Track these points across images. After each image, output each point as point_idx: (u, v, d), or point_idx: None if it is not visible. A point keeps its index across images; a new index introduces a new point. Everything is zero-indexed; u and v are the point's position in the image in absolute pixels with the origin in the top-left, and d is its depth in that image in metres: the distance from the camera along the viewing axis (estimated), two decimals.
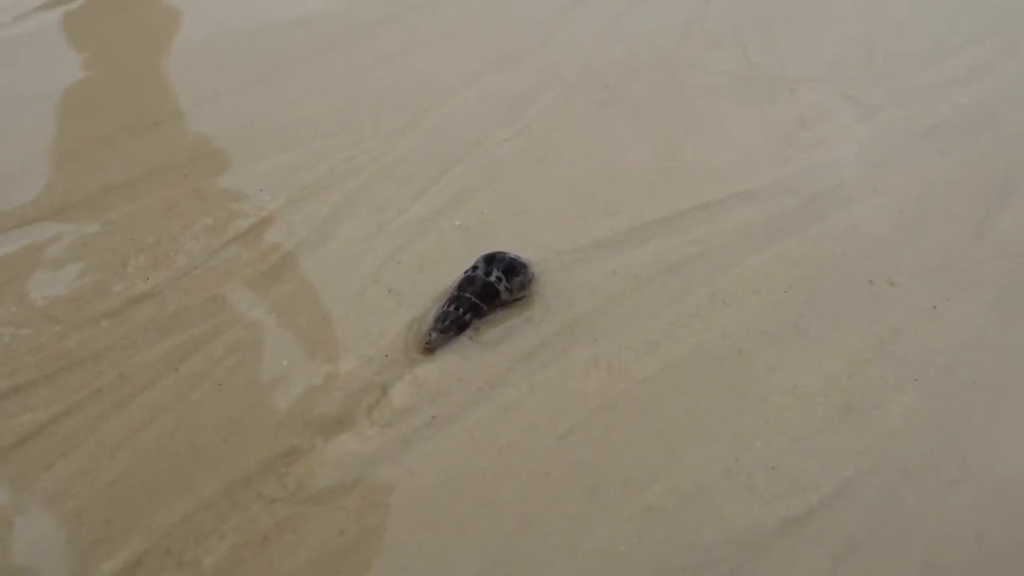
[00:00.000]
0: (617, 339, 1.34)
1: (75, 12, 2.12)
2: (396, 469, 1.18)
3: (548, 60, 1.99)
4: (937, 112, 1.82)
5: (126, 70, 1.94)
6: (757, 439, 1.21)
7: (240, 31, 2.07)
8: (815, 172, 1.65)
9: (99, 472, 1.17)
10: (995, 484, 1.16)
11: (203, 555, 1.08)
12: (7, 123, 1.79)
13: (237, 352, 1.33)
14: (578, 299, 1.40)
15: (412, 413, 1.24)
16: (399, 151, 1.72)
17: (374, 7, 2.17)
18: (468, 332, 1.35)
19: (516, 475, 1.17)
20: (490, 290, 1.36)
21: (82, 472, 1.17)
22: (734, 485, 1.15)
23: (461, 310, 1.34)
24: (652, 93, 1.89)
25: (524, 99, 1.87)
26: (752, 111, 1.83)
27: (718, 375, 1.29)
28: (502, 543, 1.10)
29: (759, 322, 1.36)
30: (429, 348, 1.32)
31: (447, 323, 1.33)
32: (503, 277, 1.37)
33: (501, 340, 1.34)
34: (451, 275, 1.44)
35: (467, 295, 1.35)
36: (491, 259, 1.40)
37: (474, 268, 1.40)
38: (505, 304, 1.38)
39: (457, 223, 1.55)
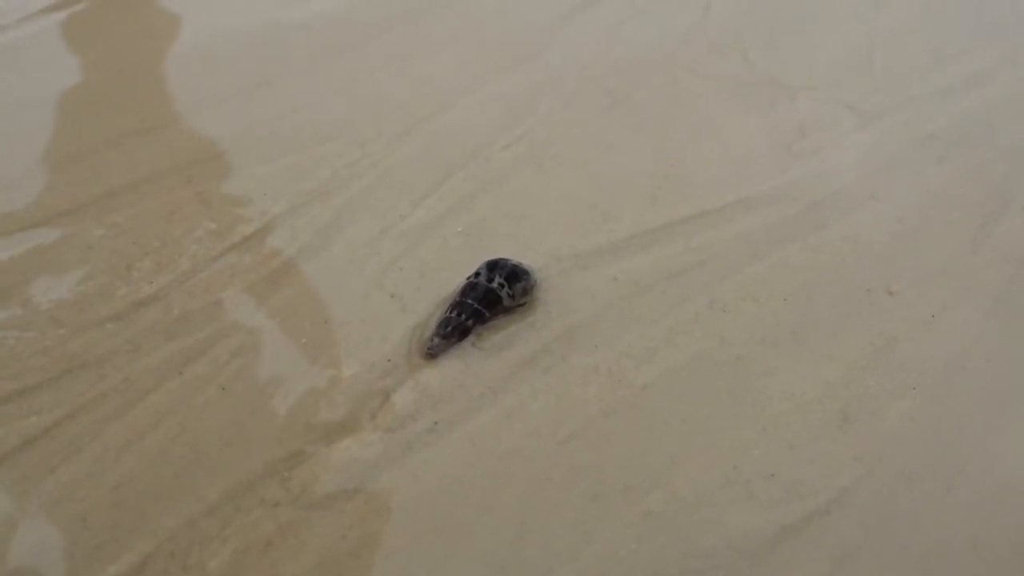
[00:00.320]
0: (617, 345, 1.35)
1: (78, 15, 2.13)
2: (398, 474, 1.19)
3: (550, 66, 2.00)
4: (936, 120, 1.83)
5: (129, 73, 1.95)
6: (755, 446, 1.22)
7: (242, 35, 2.08)
8: (814, 180, 1.67)
9: (104, 476, 1.18)
10: (992, 491, 1.17)
11: (207, 559, 1.09)
12: (10, 126, 1.79)
13: (241, 356, 1.34)
14: (579, 305, 1.42)
15: (414, 418, 1.25)
16: (401, 156, 1.73)
17: (376, 11, 2.18)
18: (470, 338, 1.36)
19: (517, 481, 1.18)
20: (492, 296, 1.37)
21: (87, 476, 1.18)
22: (733, 492, 1.17)
23: (463, 316, 1.35)
24: (653, 99, 1.90)
25: (525, 105, 1.88)
26: (752, 118, 1.84)
27: (717, 382, 1.30)
28: (503, 548, 1.11)
29: (758, 329, 1.38)
30: (431, 353, 1.33)
31: (449, 329, 1.34)
32: (505, 283, 1.38)
33: (503, 346, 1.35)
34: (453, 281, 1.45)
35: (469, 301, 1.36)
36: (493, 265, 1.41)
37: (476, 274, 1.41)
38: (507, 310, 1.39)
39: (459, 229, 1.56)
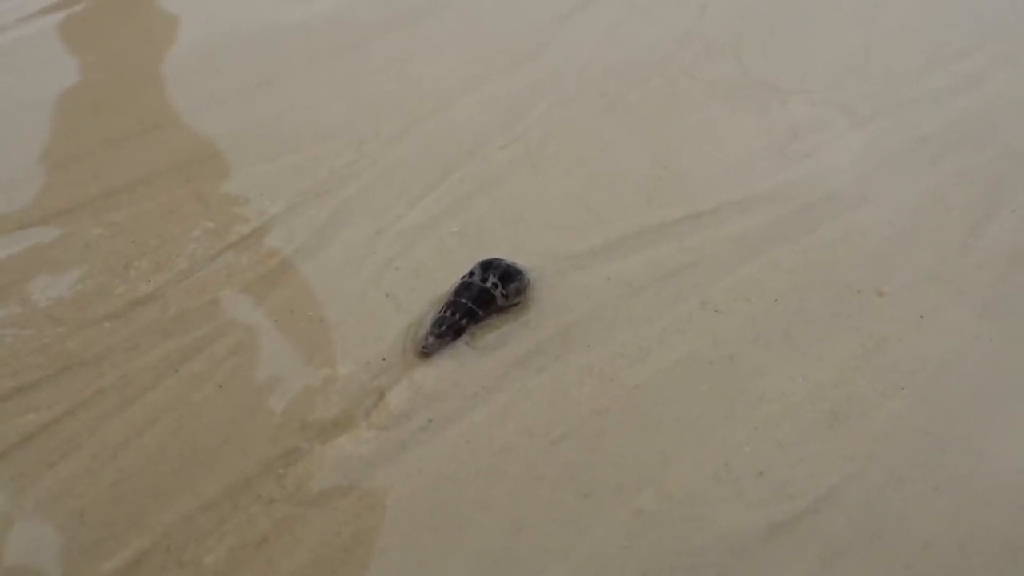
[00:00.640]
0: (610, 345, 1.37)
1: (77, 15, 2.14)
2: (393, 472, 1.20)
3: (546, 67, 2.02)
4: (929, 123, 1.84)
5: (128, 73, 1.97)
6: (746, 445, 1.23)
7: (241, 35, 2.10)
8: (807, 182, 1.68)
9: (101, 472, 1.19)
10: (980, 492, 1.19)
11: (203, 555, 1.10)
12: (9, 127, 1.81)
13: (237, 355, 1.35)
14: (573, 305, 1.43)
15: (409, 417, 1.27)
16: (398, 156, 1.75)
17: (375, 12, 2.19)
18: (465, 337, 1.37)
19: (511, 478, 1.19)
20: (486, 296, 1.38)
21: (85, 472, 1.19)
22: (723, 490, 1.18)
23: (458, 315, 1.36)
24: (648, 101, 1.91)
25: (522, 106, 1.89)
26: (746, 120, 1.86)
27: (709, 382, 1.32)
28: (496, 545, 1.12)
29: (750, 330, 1.39)
30: (426, 352, 1.34)
31: (444, 328, 1.36)
32: (499, 283, 1.39)
33: (497, 345, 1.37)
34: (448, 281, 1.46)
35: (464, 301, 1.38)
36: (487, 265, 1.42)
37: (471, 274, 1.42)
38: (501, 310, 1.41)
39: (454, 230, 1.57)
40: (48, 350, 1.35)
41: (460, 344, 1.37)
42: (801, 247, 1.53)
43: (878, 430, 1.25)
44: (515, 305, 1.42)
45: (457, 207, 1.62)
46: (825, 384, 1.31)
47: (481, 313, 1.38)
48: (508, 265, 1.42)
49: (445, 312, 1.38)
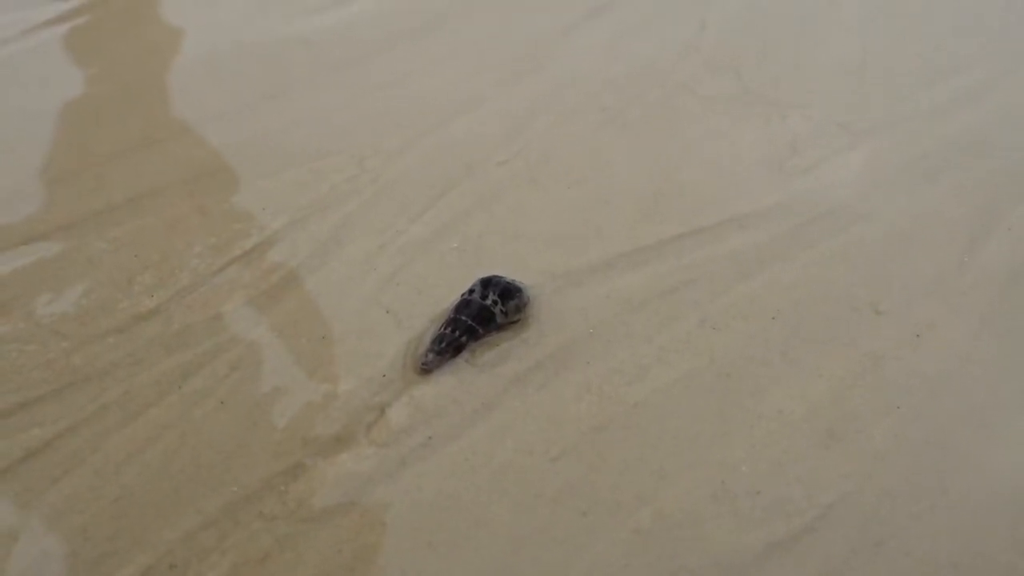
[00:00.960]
0: (609, 363, 1.38)
1: (81, 28, 2.16)
2: (393, 488, 1.21)
3: (546, 83, 2.03)
4: (926, 139, 1.86)
5: (131, 86, 1.98)
6: (743, 463, 1.24)
7: (244, 50, 2.11)
8: (805, 198, 1.69)
9: (104, 488, 1.20)
10: (975, 510, 1.20)
11: (206, 571, 1.11)
12: (13, 139, 1.82)
13: (240, 370, 1.36)
14: (572, 323, 1.44)
15: (409, 433, 1.28)
16: (399, 171, 1.76)
17: (376, 28, 2.21)
18: (464, 354, 1.39)
19: (509, 496, 1.20)
20: (486, 313, 1.39)
21: (88, 488, 1.20)
22: (720, 509, 1.19)
23: (457, 332, 1.38)
24: (648, 116, 1.93)
25: (522, 121, 1.91)
26: (745, 135, 1.87)
27: (706, 400, 1.33)
28: (495, 563, 1.13)
29: (747, 348, 1.40)
30: (426, 369, 1.36)
31: (444, 345, 1.37)
32: (499, 300, 1.40)
33: (496, 362, 1.38)
34: (448, 297, 1.47)
35: (464, 318, 1.39)
36: (487, 283, 1.44)
37: (471, 291, 1.44)
38: (501, 327, 1.42)
39: (455, 245, 1.59)
40: (52, 365, 1.36)
41: (460, 361, 1.38)
42: (800, 264, 1.55)
43: (875, 448, 1.27)
44: (515, 322, 1.43)
45: (457, 222, 1.64)
46: (822, 402, 1.32)
47: (481, 330, 1.39)
48: (508, 282, 1.44)
49: (445, 329, 1.39)
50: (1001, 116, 1.92)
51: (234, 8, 2.28)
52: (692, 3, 2.32)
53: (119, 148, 1.80)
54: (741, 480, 1.22)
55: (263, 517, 1.17)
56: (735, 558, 1.14)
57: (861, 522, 1.18)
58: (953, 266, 1.55)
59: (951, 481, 1.23)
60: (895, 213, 1.66)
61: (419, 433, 1.28)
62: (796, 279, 1.52)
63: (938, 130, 1.89)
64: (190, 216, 1.64)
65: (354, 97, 1.98)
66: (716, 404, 1.32)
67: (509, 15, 2.29)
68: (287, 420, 1.29)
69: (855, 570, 1.13)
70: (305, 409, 1.31)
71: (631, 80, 2.04)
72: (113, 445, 1.26)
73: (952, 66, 2.08)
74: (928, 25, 2.25)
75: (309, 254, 1.56)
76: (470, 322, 1.38)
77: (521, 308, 1.43)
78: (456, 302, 1.44)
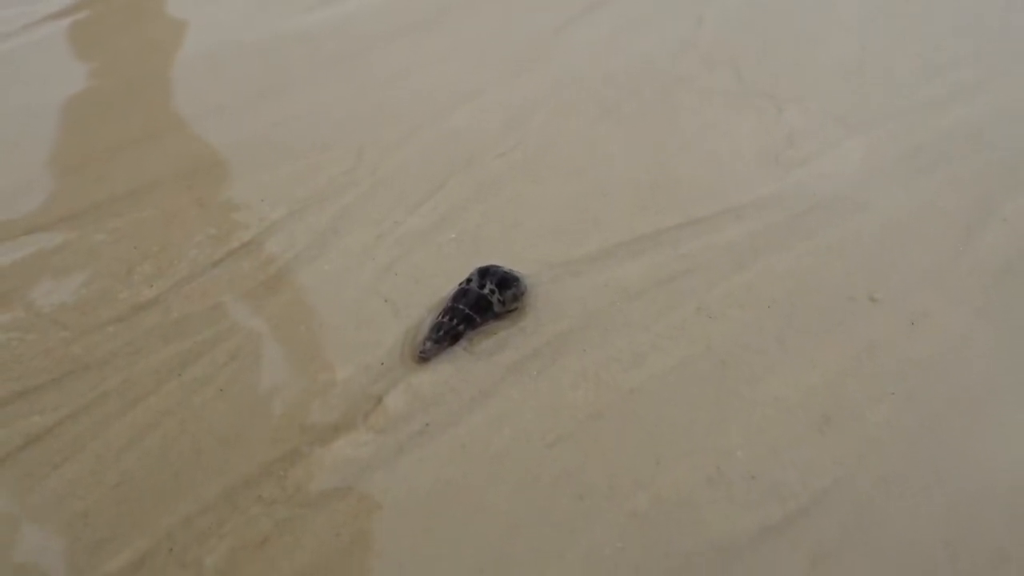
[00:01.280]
0: (606, 350, 1.39)
1: (82, 22, 2.17)
2: (390, 474, 1.22)
3: (544, 77, 2.04)
4: (922, 132, 1.87)
5: (132, 81, 1.99)
6: (738, 449, 1.25)
7: (244, 45, 2.12)
8: (801, 190, 1.70)
9: (104, 474, 1.21)
10: (965, 494, 1.20)
11: (205, 555, 1.12)
12: (15, 133, 1.83)
13: (238, 359, 1.37)
14: (569, 311, 1.45)
15: (406, 421, 1.29)
16: (396, 164, 1.77)
17: (375, 24, 2.22)
18: (462, 342, 1.39)
19: (506, 482, 1.21)
20: (483, 302, 1.40)
21: (88, 474, 1.21)
22: (715, 493, 1.20)
23: (455, 321, 1.39)
24: (645, 110, 1.94)
25: (519, 115, 1.92)
26: (742, 129, 1.88)
27: (702, 387, 1.34)
28: (493, 547, 1.14)
29: (743, 336, 1.41)
30: (424, 357, 1.36)
31: (441, 333, 1.38)
32: (496, 290, 1.41)
33: (493, 351, 1.39)
34: (446, 287, 1.48)
35: (461, 307, 1.40)
36: (485, 272, 1.44)
37: (468, 280, 1.45)
38: (498, 316, 1.43)
39: (453, 236, 1.60)
40: (52, 354, 1.37)
41: (458, 349, 1.39)
42: (795, 254, 1.56)
43: (869, 434, 1.27)
44: (512, 311, 1.44)
45: (455, 214, 1.65)
46: (817, 389, 1.33)
47: (478, 319, 1.40)
48: (505, 272, 1.44)
49: (443, 318, 1.40)
50: (997, 110, 1.93)
51: (234, 4, 2.29)
52: None
53: (120, 141, 1.81)
54: (737, 465, 1.23)
55: (262, 502, 1.18)
56: (730, 541, 1.14)
57: (855, 506, 1.19)
58: (948, 256, 1.56)
59: (944, 466, 1.23)
60: (891, 204, 1.67)
61: (417, 420, 1.29)
62: (792, 268, 1.53)
63: (934, 123, 1.90)
64: (189, 208, 1.65)
65: (352, 91, 1.99)
66: (712, 391, 1.33)
67: (507, 9, 2.30)
68: (285, 407, 1.30)
69: (848, 552, 1.14)
70: (303, 396, 1.32)
71: (629, 74, 2.05)
72: (113, 432, 1.27)
73: (950, 63, 2.09)
74: (927, 24, 2.26)
75: (307, 245, 1.57)
76: (468, 311, 1.39)
77: (518, 297, 1.44)
78: (454, 291, 1.45)
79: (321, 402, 1.31)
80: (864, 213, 1.65)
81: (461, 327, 1.38)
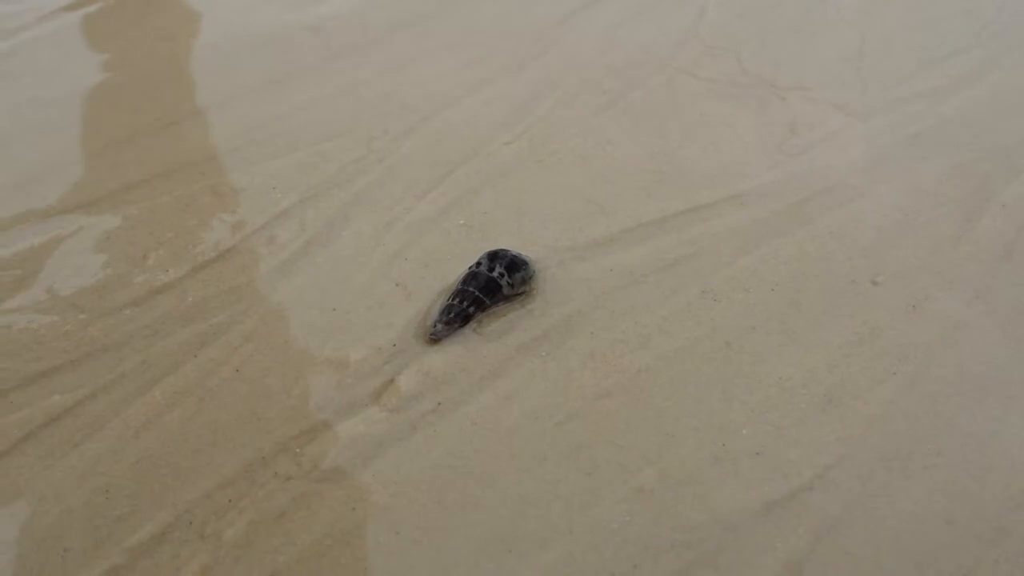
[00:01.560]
0: (613, 332, 1.42)
1: (96, 14, 2.20)
2: (403, 451, 1.25)
3: (549, 67, 2.07)
4: (922, 120, 1.89)
5: (146, 72, 2.02)
6: (743, 427, 1.28)
7: (255, 36, 2.15)
8: (803, 177, 1.73)
9: (124, 451, 1.24)
10: (966, 471, 1.23)
11: (223, 528, 1.15)
12: (34, 122, 1.86)
13: (253, 341, 1.40)
14: (576, 295, 1.48)
15: (418, 399, 1.32)
16: (406, 153, 1.80)
17: (384, 16, 2.25)
18: (472, 324, 1.42)
19: (516, 459, 1.24)
20: (493, 285, 1.43)
21: (108, 451, 1.24)
22: (721, 470, 1.23)
23: (465, 303, 1.42)
24: (649, 99, 1.96)
25: (525, 104, 1.95)
26: (744, 117, 1.91)
27: (708, 367, 1.36)
28: (503, 521, 1.17)
29: (747, 318, 1.44)
30: (435, 339, 1.39)
31: (452, 315, 1.41)
32: (505, 273, 1.44)
33: (503, 332, 1.42)
34: (456, 271, 1.51)
35: (471, 289, 1.43)
36: (494, 256, 1.47)
37: (478, 264, 1.48)
38: (507, 298, 1.46)
39: (461, 222, 1.62)
40: (71, 336, 1.40)
41: (468, 331, 1.42)
42: (797, 239, 1.58)
43: (870, 413, 1.30)
44: (521, 294, 1.47)
45: (464, 200, 1.68)
46: (820, 369, 1.36)
47: (488, 301, 1.43)
48: (514, 256, 1.47)
49: (453, 300, 1.43)
50: (996, 98, 1.96)
51: None
52: None
53: (134, 131, 1.84)
54: (742, 443, 1.26)
55: (278, 477, 1.21)
56: (735, 515, 1.17)
57: (857, 482, 1.21)
58: (948, 241, 1.59)
59: (944, 444, 1.26)
60: (891, 191, 1.70)
61: (428, 399, 1.32)
62: (795, 253, 1.56)
63: (933, 112, 1.92)
64: (203, 195, 1.68)
65: (361, 81, 2.02)
66: (717, 371, 1.36)
67: (513, 1, 2.33)
68: (300, 387, 1.33)
69: (850, 526, 1.16)
70: (318, 377, 1.35)
71: (632, 65, 2.08)
72: (132, 411, 1.30)
73: (947, 51, 2.12)
74: (926, 13, 2.28)
75: (319, 231, 1.60)
76: (477, 293, 1.42)
77: (527, 280, 1.47)
78: (464, 274, 1.48)
79: (335, 382, 1.34)
80: (865, 199, 1.68)
81: (471, 309, 1.41)
